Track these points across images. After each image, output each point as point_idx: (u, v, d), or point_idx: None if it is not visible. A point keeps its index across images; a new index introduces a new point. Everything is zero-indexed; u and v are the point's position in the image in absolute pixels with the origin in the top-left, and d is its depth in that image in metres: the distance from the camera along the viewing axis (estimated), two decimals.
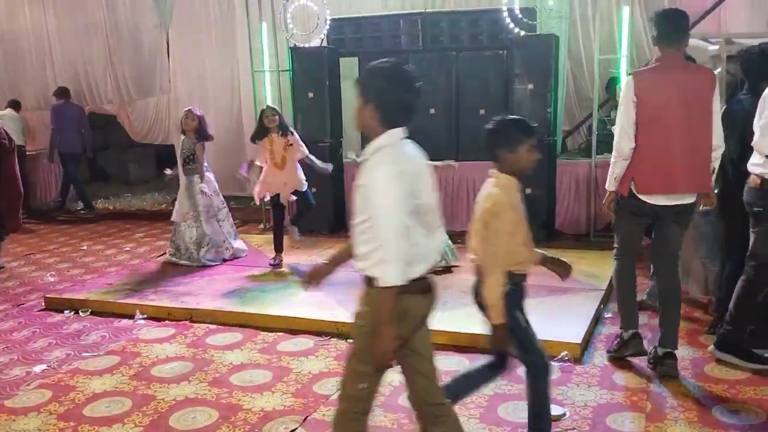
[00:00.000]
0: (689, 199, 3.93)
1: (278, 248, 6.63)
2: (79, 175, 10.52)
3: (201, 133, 6.65)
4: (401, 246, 2.43)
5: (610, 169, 4.07)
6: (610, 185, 4.08)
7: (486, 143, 3.15)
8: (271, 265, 6.52)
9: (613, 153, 4.02)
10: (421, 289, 2.60)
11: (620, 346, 4.24)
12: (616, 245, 4.26)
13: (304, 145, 6.54)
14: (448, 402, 2.80)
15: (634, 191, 3.93)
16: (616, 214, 4.15)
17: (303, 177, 6.52)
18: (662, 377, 3.98)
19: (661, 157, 3.85)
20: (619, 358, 4.23)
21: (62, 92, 10.22)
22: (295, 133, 6.54)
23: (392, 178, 2.42)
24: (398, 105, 2.53)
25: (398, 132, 2.55)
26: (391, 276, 2.43)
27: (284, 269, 6.40)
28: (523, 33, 7.24)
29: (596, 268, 6.01)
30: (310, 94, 7.91)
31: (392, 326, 2.46)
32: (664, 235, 4.03)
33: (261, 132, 6.42)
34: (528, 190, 7.28)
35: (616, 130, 4.05)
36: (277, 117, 6.37)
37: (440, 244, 2.73)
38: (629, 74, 4.05)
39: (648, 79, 3.90)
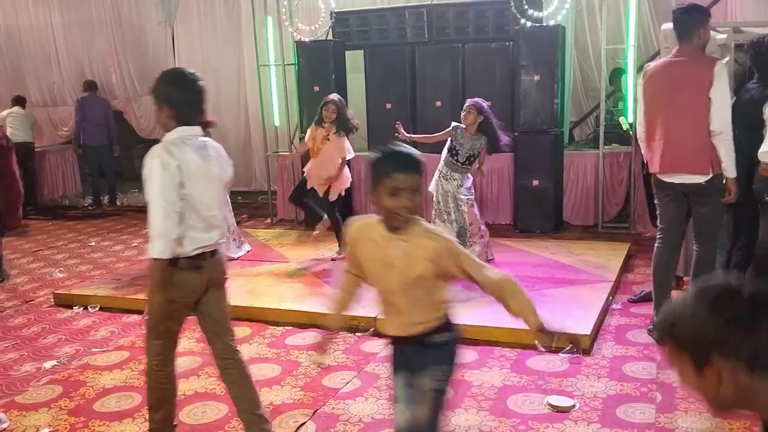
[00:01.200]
0: (695, 179, 4.14)
1: (308, 221, 6.56)
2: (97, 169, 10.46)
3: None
4: (166, 225, 2.84)
5: None
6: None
7: None
8: (332, 259, 6.43)
9: None
10: (193, 266, 3.00)
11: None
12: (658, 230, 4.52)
13: (348, 151, 6.31)
14: (238, 355, 3.22)
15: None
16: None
17: (346, 178, 6.36)
18: None
19: (655, 140, 4.23)
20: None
21: (89, 85, 10.23)
22: (344, 136, 6.25)
23: (158, 168, 2.84)
24: (185, 104, 2.93)
25: (187, 130, 2.95)
26: (156, 250, 2.86)
27: (292, 264, 6.39)
28: (529, 24, 7.21)
29: (604, 259, 5.99)
30: (316, 88, 7.89)
31: (159, 293, 2.93)
32: (693, 214, 4.32)
33: (318, 119, 6.31)
34: (535, 182, 7.33)
35: None
36: (335, 112, 6.17)
37: (216, 240, 3.09)
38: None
39: (651, 71, 4.27)
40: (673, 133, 4.12)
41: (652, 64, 4.36)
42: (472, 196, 5.95)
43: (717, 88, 4.01)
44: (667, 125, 4.14)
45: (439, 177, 5.93)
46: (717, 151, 4.06)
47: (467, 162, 5.83)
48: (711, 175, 4.09)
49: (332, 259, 6.42)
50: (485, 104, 5.85)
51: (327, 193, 6.36)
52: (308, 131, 6.48)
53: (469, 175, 5.93)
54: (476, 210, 5.96)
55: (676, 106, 4.09)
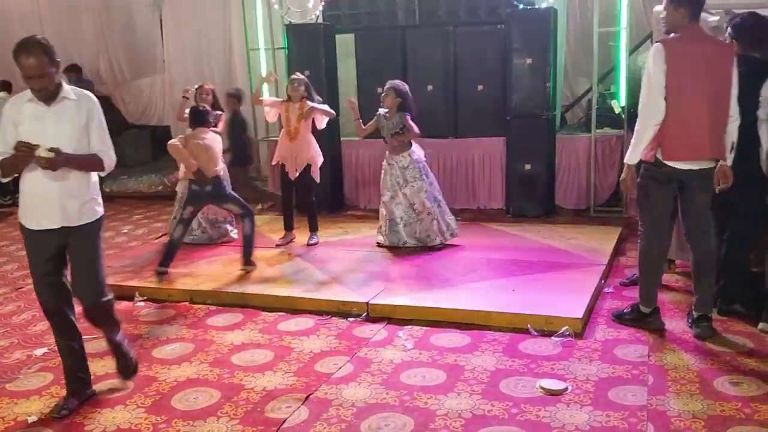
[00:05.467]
0: (711, 164, 4.04)
1: (287, 226, 6.55)
2: None
3: (217, 106, 6.74)
4: None
5: (635, 140, 4.05)
6: (635, 158, 4.07)
7: None
8: (277, 245, 6.44)
9: (641, 123, 4.02)
10: None
11: (636, 317, 4.35)
12: (643, 224, 4.27)
13: (322, 106, 6.37)
14: None
15: (661, 158, 4.00)
16: (642, 188, 4.15)
17: (317, 154, 6.38)
18: (698, 338, 4.15)
19: (688, 124, 3.94)
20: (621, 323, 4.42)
21: (74, 68, 9.98)
22: (314, 103, 6.29)
23: None
24: None
25: None
26: None
27: (284, 250, 6.36)
28: (521, 6, 7.16)
29: (596, 243, 6.00)
30: (307, 72, 7.81)
31: None
32: (692, 203, 4.14)
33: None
34: (527, 166, 7.32)
35: (643, 97, 4.03)
36: (302, 87, 6.20)
37: None
38: (657, 42, 4.08)
39: (678, 48, 3.96)
40: (708, 117, 3.94)
41: (673, 41, 4.01)
42: (419, 177, 6.02)
43: (735, 73, 3.98)
44: (703, 108, 3.93)
45: (385, 164, 6.17)
46: (728, 136, 4.00)
47: (394, 138, 6.04)
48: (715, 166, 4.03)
49: (276, 245, 6.46)
50: (404, 87, 6.05)
51: (301, 175, 6.35)
52: (276, 104, 6.47)
53: (415, 155, 6.06)
54: (425, 190, 6.02)
55: (710, 89, 3.93)
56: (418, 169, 6.05)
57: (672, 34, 4.08)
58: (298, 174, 6.32)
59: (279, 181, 6.71)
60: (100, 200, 3.67)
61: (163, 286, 5.44)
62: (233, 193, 5.93)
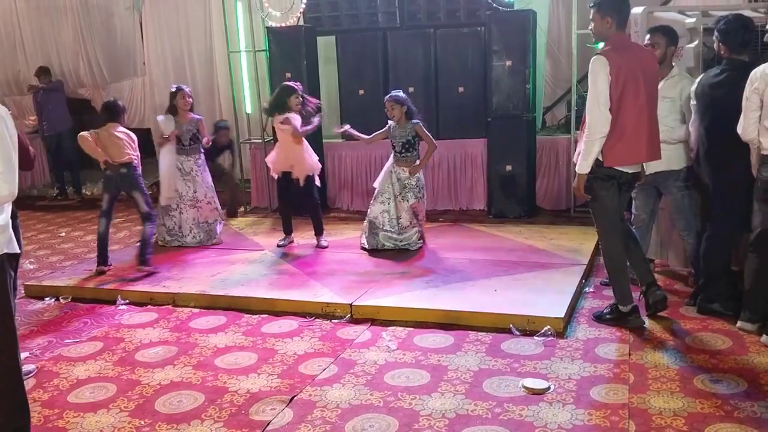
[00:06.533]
0: (638, 169, 4.28)
1: (286, 230, 6.56)
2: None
3: (192, 109, 6.77)
4: None
5: (584, 152, 4.11)
6: (586, 168, 4.13)
7: None
8: (278, 245, 6.46)
9: (590, 133, 4.07)
10: None
11: (616, 317, 4.42)
12: (598, 226, 4.37)
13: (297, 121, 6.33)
14: None
15: (602, 162, 4.13)
16: (588, 190, 4.22)
17: (312, 161, 6.40)
18: (653, 307, 4.44)
19: (629, 132, 4.05)
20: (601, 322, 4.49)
21: (43, 71, 9.99)
22: (290, 115, 6.27)
23: None
24: None
25: None
26: None
27: (267, 252, 6.36)
28: (501, 9, 7.21)
29: (577, 243, 6.06)
30: (288, 74, 7.82)
31: None
32: (620, 199, 4.33)
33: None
34: (508, 168, 7.37)
35: (591, 110, 4.07)
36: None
37: None
38: (598, 55, 4.06)
39: (617, 59, 4.01)
40: (646, 123, 4.08)
41: (612, 51, 4.03)
42: (416, 196, 6.14)
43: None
44: (642, 115, 4.05)
45: (386, 173, 6.20)
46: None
47: (404, 150, 6.09)
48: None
49: (277, 245, 6.48)
50: (402, 94, 6.13)
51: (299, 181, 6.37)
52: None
53: (420, 175, 6.18)
54: (422, 203, 6.24)
55: (646, 95, 4.07)
56: (418, 188, 6.15)
57: (604, 45, 4.17)
58: (301, 179, 6.33)
59: (276, 188, 6.80)
60: (5, 236, 2.92)
61: (146, 289, 5.42)
62: (145, 188, 6.06)
